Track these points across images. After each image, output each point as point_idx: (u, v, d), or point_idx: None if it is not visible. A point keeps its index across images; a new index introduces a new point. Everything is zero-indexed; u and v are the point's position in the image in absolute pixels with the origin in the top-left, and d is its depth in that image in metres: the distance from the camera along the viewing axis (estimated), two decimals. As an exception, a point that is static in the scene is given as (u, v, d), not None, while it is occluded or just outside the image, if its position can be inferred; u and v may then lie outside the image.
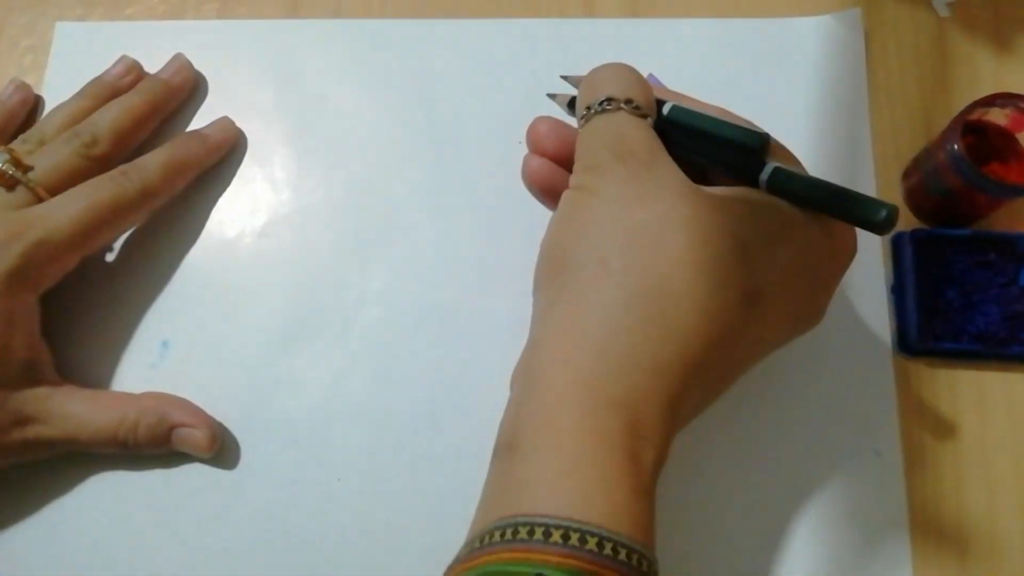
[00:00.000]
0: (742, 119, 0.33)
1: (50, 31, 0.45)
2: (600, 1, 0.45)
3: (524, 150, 0.36)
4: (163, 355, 0.39)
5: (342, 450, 0.38)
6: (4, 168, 0.36)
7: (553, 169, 0.34)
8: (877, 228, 0.29)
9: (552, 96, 0.37)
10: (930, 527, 0.38)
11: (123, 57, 0.42)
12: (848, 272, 0.33)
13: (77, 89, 0.41)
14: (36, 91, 0.43)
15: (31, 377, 0.35)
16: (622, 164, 0.30)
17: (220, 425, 0.38)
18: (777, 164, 0.31)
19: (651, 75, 0.42)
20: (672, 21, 0.44)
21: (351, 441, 0.38)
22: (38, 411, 0.35)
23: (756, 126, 0.33)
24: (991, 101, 0.37)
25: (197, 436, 0.36)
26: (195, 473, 0.38)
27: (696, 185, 0.30)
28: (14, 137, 0.40)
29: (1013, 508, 0.38)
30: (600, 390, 0.27)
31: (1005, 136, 0.39)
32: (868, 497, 0.37)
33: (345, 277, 0.41)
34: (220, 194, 0.42)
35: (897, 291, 0.40)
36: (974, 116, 0.38)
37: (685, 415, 0.29)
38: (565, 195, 0.31)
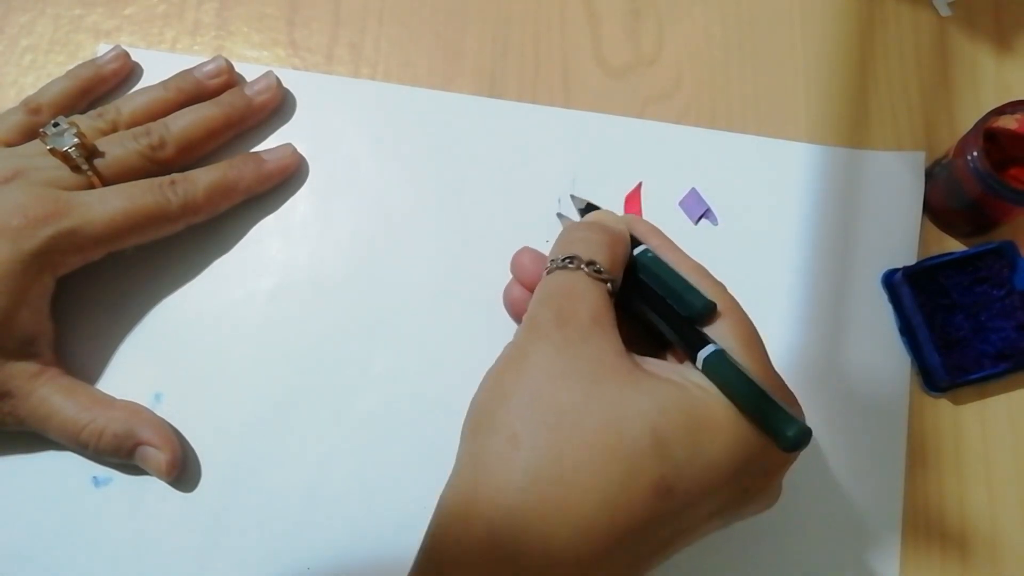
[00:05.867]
0: (712, 280, 0.32)
1: (50, 31, 0.44)
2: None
3: (548, 249, 0.37)
4: (155, 407, 0.38)
5: (318, 537, 0.37)
6: (71, 152, 0.36)
7: (529, 300, 0.35)
8: (781, 443, 0.28)
9: (560, 216, 0.40)
10: (931, 529, 0.38)
11: (218, 57, 0.42)
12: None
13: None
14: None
15: (27, 352, 0.36)
16: (560, 330, 0.30)
17: (188, 450, 0.38)
18: (718, 348, 0.29)
19: (693, 189, 0.42)
20: (720, 134, 0.43)
21: (329, 529, 0.37)
22: (20, 387, 0.35)
23: (725, 291, 0.32)
24: (1003, 109, 0.37)
25: (159, 458, 0.36)
26: (167, 536, 0.37)
27: (633, 361, 0.30)
28: (96, 102, 0.41)
29: (1013, 509, 0.38)
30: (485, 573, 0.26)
31: (1018, 139, 0.39)
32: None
33: (348, 356, 0.39)
34: (235, 244, 0.41)
35: (906, 332, 0.40)
36: (987, 124, 0.38)
37: None
38: (505, 348, 0.31)
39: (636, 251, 0.34)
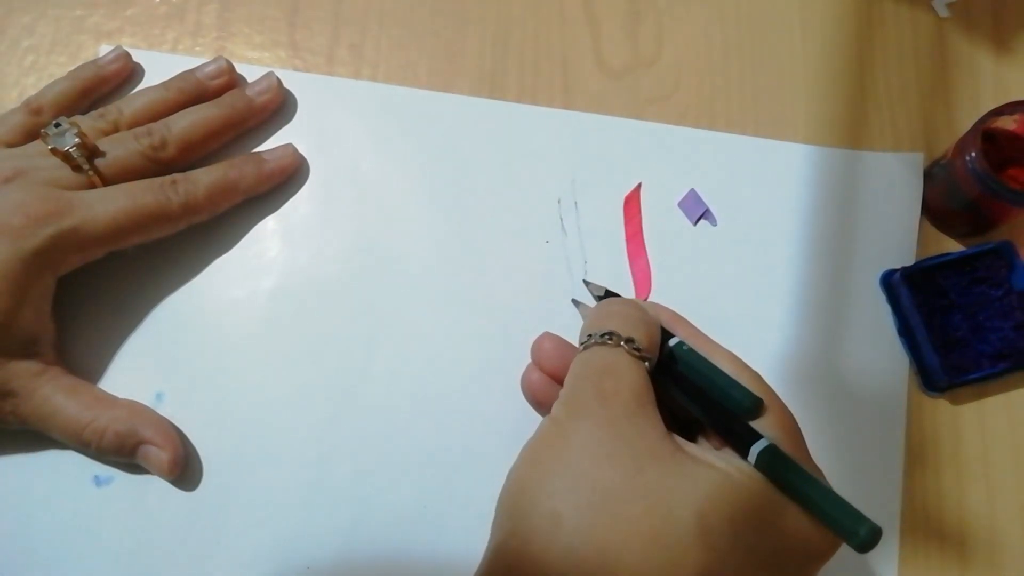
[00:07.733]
0: (750, 372, 0.32)
1: (51, 32, 0.45)
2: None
3: (551, 249, 0.41)
4: (156, 406, 0.38)
5: (317, 536, 0.37)
6: (72, 152, 0.37)
7: (549, 385, 0.35)
8: (852, 542, 0.27)
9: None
10: (929, 529, 0.38)
11: (219, 58, 0.42)
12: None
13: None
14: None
15: (29, 351, 0.36)
16: (603, 407, 0.29)
17: (190, 449, 0.38)
18: (770, 443, 0.29)
19: (692, 190, 0.42)
20: (719, 135, 0.43)
21: (328, 528, 0.37)
22: (22, 386, 0.35)
23: (762, 381, 0.31)
24: (1001, 110, 0.37)
25: (162, 457, 0.36)
26: (168, 535, 0.37)
27: (676, 443, 0.29)
28: (97, 103, 0.42)
29: (1012, 509, 0.38)
30: None
31: (1016, 140, 0.39)
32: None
33: (348, 355, 0.39)
34: (235, 244, 0.41)
35: (904, 332, 0.40)
36: (985, 125, 0.38)
37: None
38: (542, 425, 0.31)
39: (671, 342, 0.33)
